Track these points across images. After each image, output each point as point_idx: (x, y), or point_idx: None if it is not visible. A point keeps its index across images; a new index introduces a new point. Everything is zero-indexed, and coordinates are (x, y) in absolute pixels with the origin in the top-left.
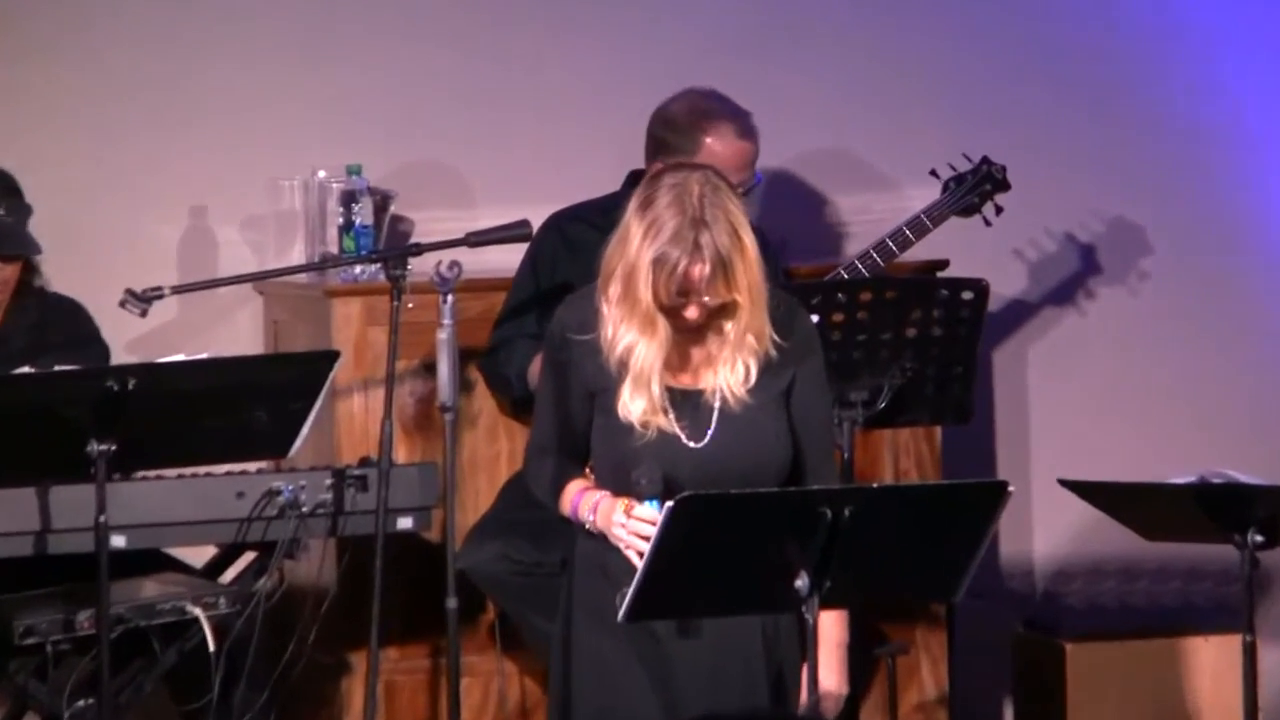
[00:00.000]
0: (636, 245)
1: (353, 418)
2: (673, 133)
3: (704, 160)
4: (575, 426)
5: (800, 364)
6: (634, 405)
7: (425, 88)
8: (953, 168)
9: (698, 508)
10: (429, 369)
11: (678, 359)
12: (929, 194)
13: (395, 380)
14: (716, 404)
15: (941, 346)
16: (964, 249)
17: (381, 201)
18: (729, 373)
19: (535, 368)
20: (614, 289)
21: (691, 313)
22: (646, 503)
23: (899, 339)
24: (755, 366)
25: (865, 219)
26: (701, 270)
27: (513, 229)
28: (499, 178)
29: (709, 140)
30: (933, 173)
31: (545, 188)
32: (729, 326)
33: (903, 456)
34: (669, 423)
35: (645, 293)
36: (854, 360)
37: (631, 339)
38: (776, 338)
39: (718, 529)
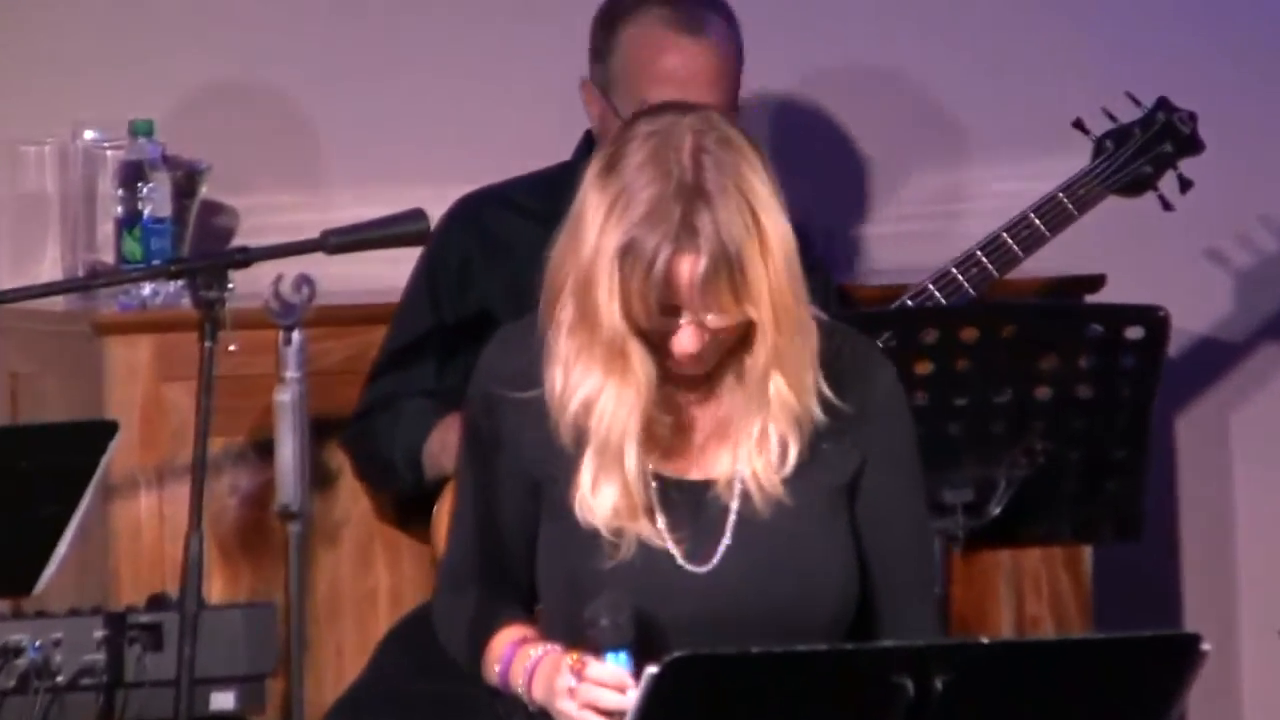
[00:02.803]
0: (596, 232)
1: (139, 530)
2: (597, 31)
3: (621, 72)
4: (509, 541)
5: (875, 439)
6: (599, 498)
7: (257, 3)
8: (1110, 116)
9: (696, 676)
10: (263, 451)
11: (672, 431)
12: (1072, 160)
13: (208, 469)
14: (734, 503)
15: (1092, 416)
16: (1128, 254)
17: (186, 180)
18: (754, 450)
19: (435, 444)
20: (565, 310)
21: (686, 341)
22: (608, 655)
23: (1024, 404)
24: (797, 441)
25: (963, 202)
26: (694, 267)
27: (398, 224)
28: (372, 143)
29: (626, 35)
30: (1078, 124)
31: (446, 159)
32: (749, 366)
33: (1029, 594)
34: (656, 532)
35: (610, 305)
36: (949, 437)
37: (591, 386)
38: (829, 393)
39: (728, 709)
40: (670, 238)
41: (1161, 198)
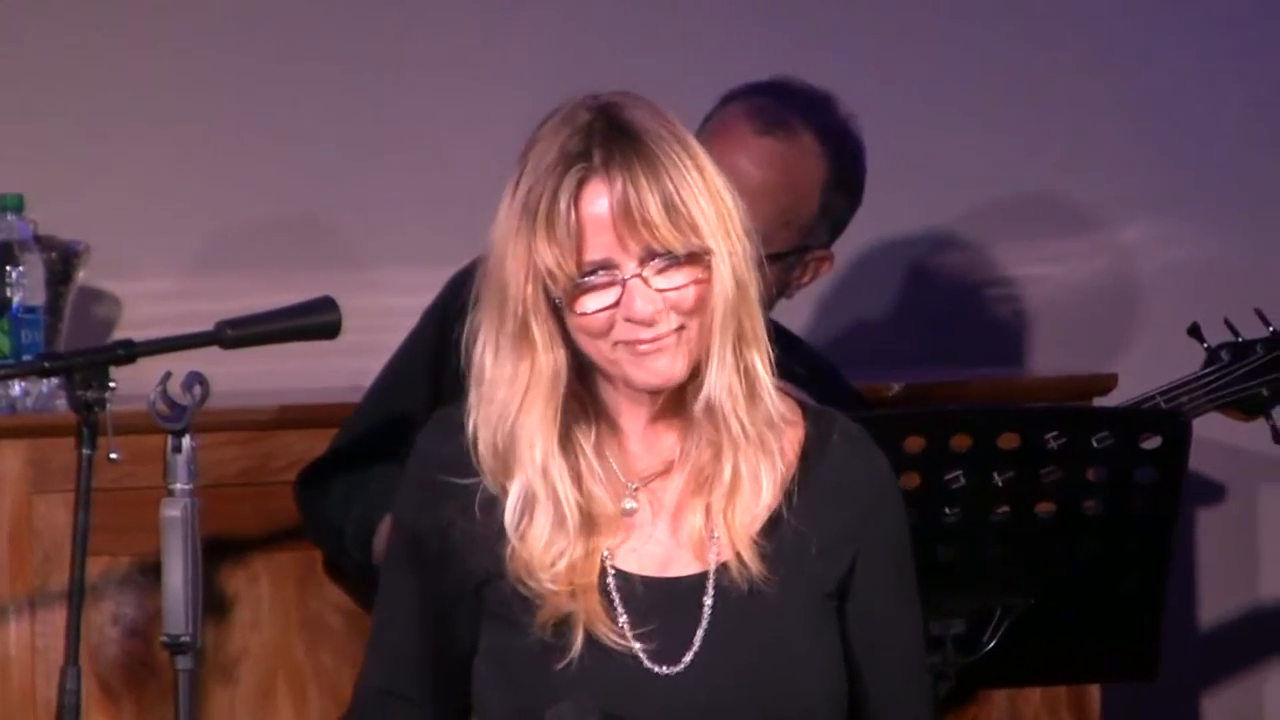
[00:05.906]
0: (503, 213)
1: (7, 665)
2: None
3: None
4: (447, 655)
5: (868, 535)
6: (532, 533)
7: (140, 61)
8: (1232, 329)
9: None
10: (149, 574)
11: (634, 521)
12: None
13: (86, 594)
14: (708, 595)
15: (1103, 537)
16: (1143, 351)
17: (61, 263)
18: (725, 496)
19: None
20: (485, 329)
21: (637, 304)
22: None
23: (1023, 522)
24: (772, 474)
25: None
26: (615, 189)
27: (306, 315)
28: (276, 221)
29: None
30: (1194, 330)
31: (363, 241)
32: (708, 339)
33: None
34: (617, 630)
35: (519, 284)
36: (938, 561)
37: (504, 388)
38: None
39: None
40: (578, 164)
41: (1274, 428)
